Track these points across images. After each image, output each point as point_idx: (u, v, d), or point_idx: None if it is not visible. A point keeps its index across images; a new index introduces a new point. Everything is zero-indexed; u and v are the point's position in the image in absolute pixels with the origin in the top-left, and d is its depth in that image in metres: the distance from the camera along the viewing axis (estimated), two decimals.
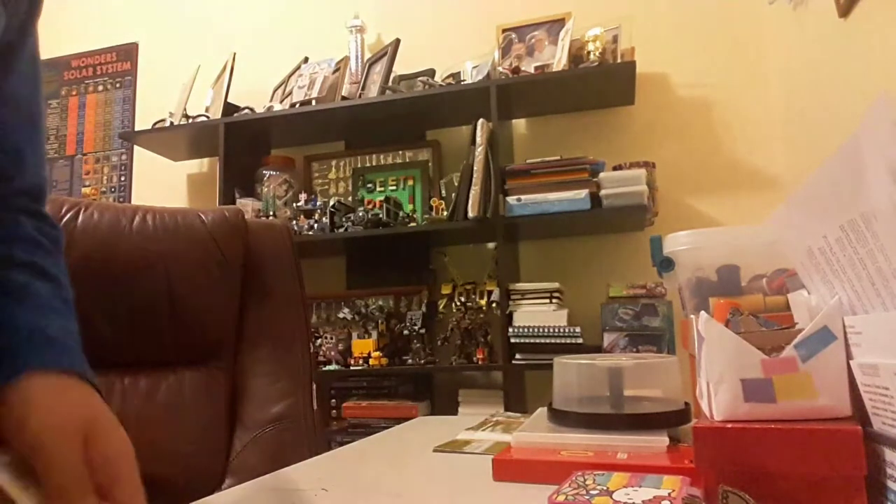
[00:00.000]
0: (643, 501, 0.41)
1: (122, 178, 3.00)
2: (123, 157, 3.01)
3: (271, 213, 2.46)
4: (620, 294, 2.05)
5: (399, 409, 2.18)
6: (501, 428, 0.86)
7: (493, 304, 2.16)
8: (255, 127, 2.52)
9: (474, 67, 2.36)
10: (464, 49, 2.49)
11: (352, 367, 2.25)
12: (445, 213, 2.20)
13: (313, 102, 2.42)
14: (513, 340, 2.06)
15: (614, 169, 2.16)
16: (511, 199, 2.11)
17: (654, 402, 0.69)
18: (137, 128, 2.91)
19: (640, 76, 2.23)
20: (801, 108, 2.00)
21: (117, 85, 3.07)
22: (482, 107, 2.19)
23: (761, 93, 2.25)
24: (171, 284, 1.02)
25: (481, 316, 2.22)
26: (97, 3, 3.15)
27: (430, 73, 2.39)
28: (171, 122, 2.59)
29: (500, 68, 2.33)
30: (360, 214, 2.26)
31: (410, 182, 2.55)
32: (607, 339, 2.00)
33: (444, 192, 2.36)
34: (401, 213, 2.32)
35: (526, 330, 2.05)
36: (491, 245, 2.27)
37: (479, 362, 2.16)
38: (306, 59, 2.66)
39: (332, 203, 2.34)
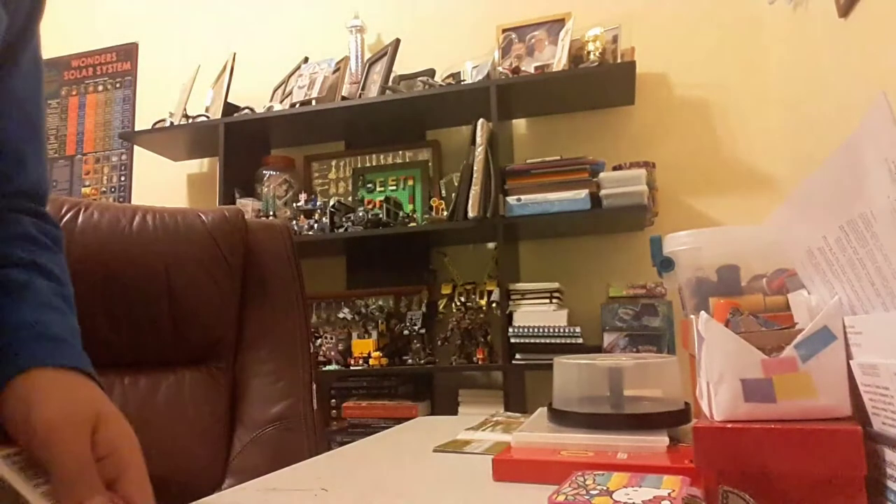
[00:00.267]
0: (643, 501, 0.41)
1: (122, 178, 3.00)
2: (123, 157, 3.01)
3: (271, 213, 2.46)
4: (620, 294, 2.05)
5: (399, 409, 2.18)
6: (501, 428, 0.86)
7: (493, 304, 2.16)
8: (255, 127, 2.52)
9: (474, 67, 2.36)
10: (464, 49, 2.49)
11: (352, 367, 2.25)
12: (445, 213, 2.20)
13: (313, 102, 2.42)
14: (513, 340, 2.06)
15: (614, 169, 2.17)
16: (511, 199, 2.11)
17: (654, 402, 0.69)
18: (137, 128, 2.91)
19: (640, 76, 2.23)
20: (801, 109, 2.00)
21: (117, 85, 3.08)
22: (482, 107, 2.19)
23: (761, 93, 2.25)
24: (171, 284, 1.02)
25: (481, 316, 2.22)
26: (97, 3, 3.15)
27: (430, 73, 2.39)
28: (171, 122, 2.59)
29: (500, 68, 2.33)
30: (360, 214, 2.26)
31: (410, 182, 2.55)
32: (607, 339, 2.00)
33: (444, 192, 2.36)
34: (401, 213, 2.32)
35: (526, 330, 2.05)
36: (491, 245, 2.27)
37: (479, 362, 2.16)
38: (306, 59, 2.66)
39: (332, 203, 2.34)
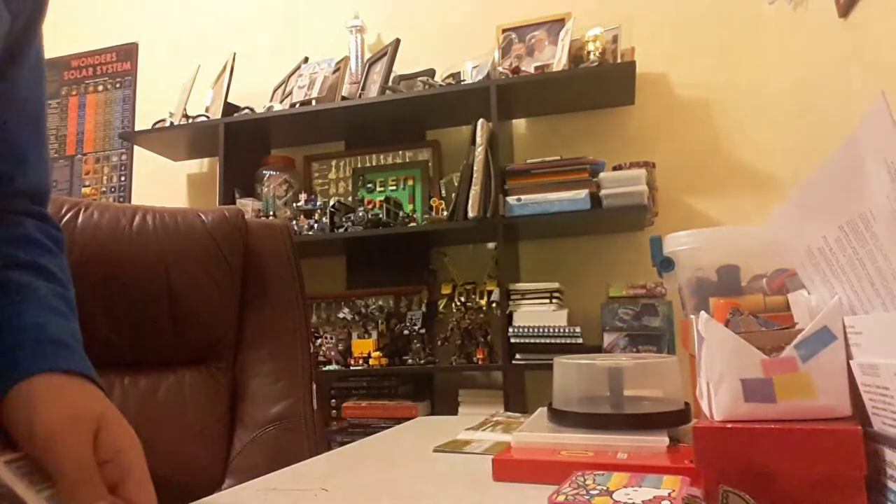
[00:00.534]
0: (643, 501, 0.41)
1: (122, 178, 3.00)
2: (123, 157, 3.01)
3: (271, 213, 2.46)
4: (620, 294, 2.05)
5: (399, 409, 2.18)
6: (501, 428, 0.86)
7: (493, 304, 2.16)
8: (255, 127, 2.52)
9: (474, 67, 2.36)
10: (464, 49, 2.49)
11: (352, 367, 2.25)
12: (445, 213, 2.20)
13: (313, 102, 2.42)
14: (513, 340, 2.06)
15: (614, 169, 2.16)
16: (511, 199, 2.11)
17: (654, 402, 0.69)
18: (137, 128, 2.91)
19: (640, 76, 2.23)
20: (801, 108, 2.00)
21: (117, 85, 3.08)
22: (482, 107, 2.19)
23: (761, 93, 2.25)
24: (171, 284, 1.02)
25: (481, 316, 2.22)
26: (97, 3, 3.15)
27: (430, 73, 2.39)
28: (171, 122, 2.59)
29: (500, 68, 2.33)
30: (360, 214, 2.26)
31: (410, 182, 2.55)
32: (607, 339, 2.00)
33: (444, 192, 2.36)
34: (401, 213, 2.32)
35: (526, 330, 2.05)
36: (491, 245, 2.27)
37: (479, 362, 2.16)
38: (306, 59, 2.66)
39: (332, 203, 2.34)
